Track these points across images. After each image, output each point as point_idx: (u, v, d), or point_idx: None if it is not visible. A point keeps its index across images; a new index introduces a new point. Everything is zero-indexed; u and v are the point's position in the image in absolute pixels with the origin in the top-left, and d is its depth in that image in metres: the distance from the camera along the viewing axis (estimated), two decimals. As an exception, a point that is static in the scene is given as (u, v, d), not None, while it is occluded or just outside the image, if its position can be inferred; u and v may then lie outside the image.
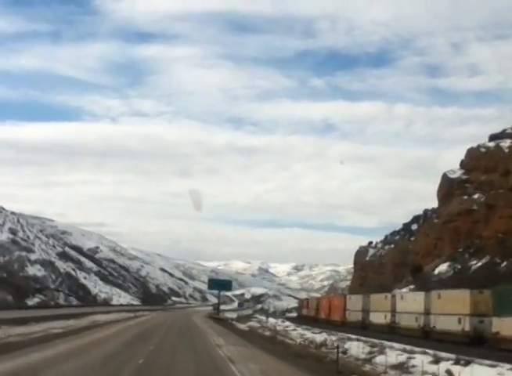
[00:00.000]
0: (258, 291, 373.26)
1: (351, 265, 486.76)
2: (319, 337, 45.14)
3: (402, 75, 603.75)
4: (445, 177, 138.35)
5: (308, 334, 48.70)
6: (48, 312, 67.70)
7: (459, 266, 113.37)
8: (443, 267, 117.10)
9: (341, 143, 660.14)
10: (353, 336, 45.40)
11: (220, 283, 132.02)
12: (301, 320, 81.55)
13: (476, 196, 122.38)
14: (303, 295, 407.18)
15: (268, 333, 51.71)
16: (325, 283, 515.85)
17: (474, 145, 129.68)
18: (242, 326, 63.75)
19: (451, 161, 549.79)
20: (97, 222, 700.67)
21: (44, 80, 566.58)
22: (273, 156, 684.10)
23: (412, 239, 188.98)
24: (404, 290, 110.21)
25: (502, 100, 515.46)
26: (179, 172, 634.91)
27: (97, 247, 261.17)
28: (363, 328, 57.75)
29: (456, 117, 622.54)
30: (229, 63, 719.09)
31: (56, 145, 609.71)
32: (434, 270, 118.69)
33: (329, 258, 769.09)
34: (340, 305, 69.22)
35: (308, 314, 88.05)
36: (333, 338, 42.90)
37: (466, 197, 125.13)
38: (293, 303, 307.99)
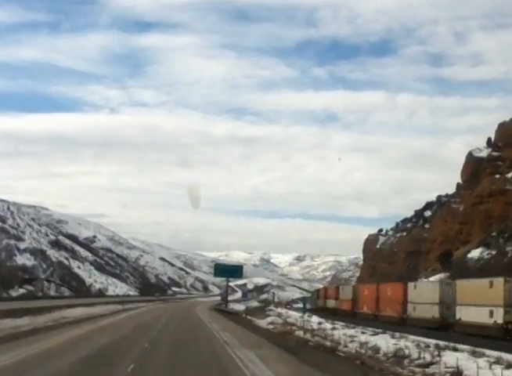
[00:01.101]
0: (261, 281, 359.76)
1: (354, 256, 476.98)
2: (379, 341, 29.63)
3: (404, 65, 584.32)
4: (470, 156, 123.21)
5: (360, 337, 33.36)
6: (11, 305, 52.24)
7: (494, 252, 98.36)
8: (475, 253, 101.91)
9: (343, 133, 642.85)
10: (434, 341, 29.78)
11: (228, 270, 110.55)
12: (326, 315, 64.08)
13: (510, 174, 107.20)
14: (305, 286, 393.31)
15: (305, 335, 36.31)
16: (327, 273, 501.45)
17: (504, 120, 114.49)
18: (261, 323, 48.51)
19: (453, 150, 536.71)
20: (97, 213, 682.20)
21: (43, 71, 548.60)
22: (274, 146, 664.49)
23: (427, 226, 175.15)
24: (432, 278, 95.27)
25: (505, 90, 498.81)
26: (179, 163, 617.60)
27: (94, 237, 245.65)
28: (442, 329, 40.67)
29: (458, 107, 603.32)
30: (230, 53, 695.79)
31: (56, 136, 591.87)
32: (465, 257, 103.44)
33: (330, 249, 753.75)
34: (397, 296, 50.83)
35: (338, 306, 70.75)
36: (408, 343, 27.46)
37: (498, 176, 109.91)
38: (298, 293, 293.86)
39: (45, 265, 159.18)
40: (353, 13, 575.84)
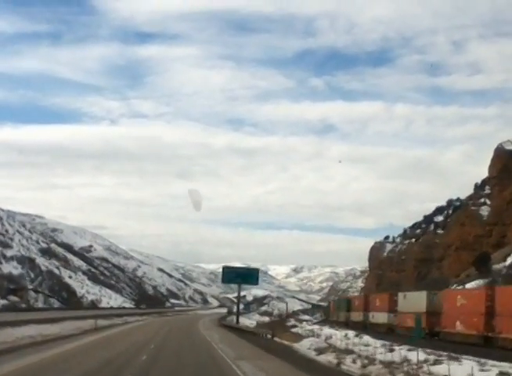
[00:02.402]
0: (259, 292, 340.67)
1: (350, 267, 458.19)
2: None
3: (401, 74, 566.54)
4: (500, 150, 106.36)
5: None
6: None
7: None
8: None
9: (340, 144, 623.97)
10: None
11: (241, 274, 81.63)
12: (375, 333, 44.16)
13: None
14: (302, 297, 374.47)
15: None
16: (324, 284, 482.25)
17: None
18: (304, 350, 30.74)
19: (451, 160, 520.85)
20: (96, 225, 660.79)
21: (43, 82, 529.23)
22: (273, 157, 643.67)
23: (439, 231, 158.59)
24: (469, 285, 77.81)
25: (503, 99, 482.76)
26: (179, 174, 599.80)
27: (90, 246, 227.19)
28: None
29: (456, 117, 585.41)
30: (229, 64, 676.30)
31: (56, 147, 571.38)
32: (504, 261, 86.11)
33: (327, 260, 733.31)
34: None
35: (396, 323, 49.29)
36: None
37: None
38: (298, 305, 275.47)
39: (33, 275, 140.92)
40: (350, 23, 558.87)
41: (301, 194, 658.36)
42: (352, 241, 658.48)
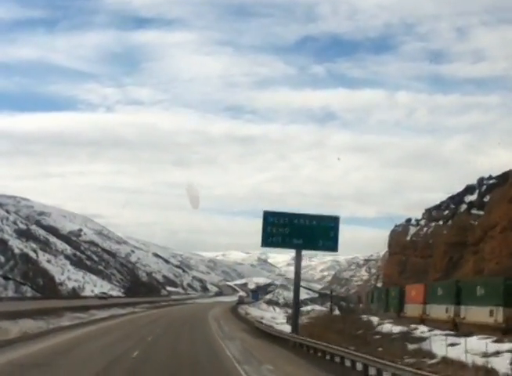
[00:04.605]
0: (261, 280, 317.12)
1: (352, 256, 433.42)
2: None
3: (404, 62, 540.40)
4: None
5: None
6: None
7: None
8: None
9: (342, 132, 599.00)
10: None
11: (304, 228, 36.90)
12: None
13: None
14: (304, 285, 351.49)
15: None
16: (325, 273, 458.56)
17: None
18: None
19: (453, 149, 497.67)
20: (93, 214, 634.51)
21: (39, 69, 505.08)
22: (272, 145, 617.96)
23: (474, 211, 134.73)
24: None
25: (506, 87, 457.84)
26: (176, 162, 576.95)
27: (80, 230, 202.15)
28: None
29: (458, 105, 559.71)
30: (228, 50, 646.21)
31: (51, 135, 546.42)
32: None
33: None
34: None
35: None
36: None
37: None
38: (304, 294, 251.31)
39: (3, 258, 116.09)
40: (353, 9, 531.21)
41: (301, 183, 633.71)
42: (353, 230, 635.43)
